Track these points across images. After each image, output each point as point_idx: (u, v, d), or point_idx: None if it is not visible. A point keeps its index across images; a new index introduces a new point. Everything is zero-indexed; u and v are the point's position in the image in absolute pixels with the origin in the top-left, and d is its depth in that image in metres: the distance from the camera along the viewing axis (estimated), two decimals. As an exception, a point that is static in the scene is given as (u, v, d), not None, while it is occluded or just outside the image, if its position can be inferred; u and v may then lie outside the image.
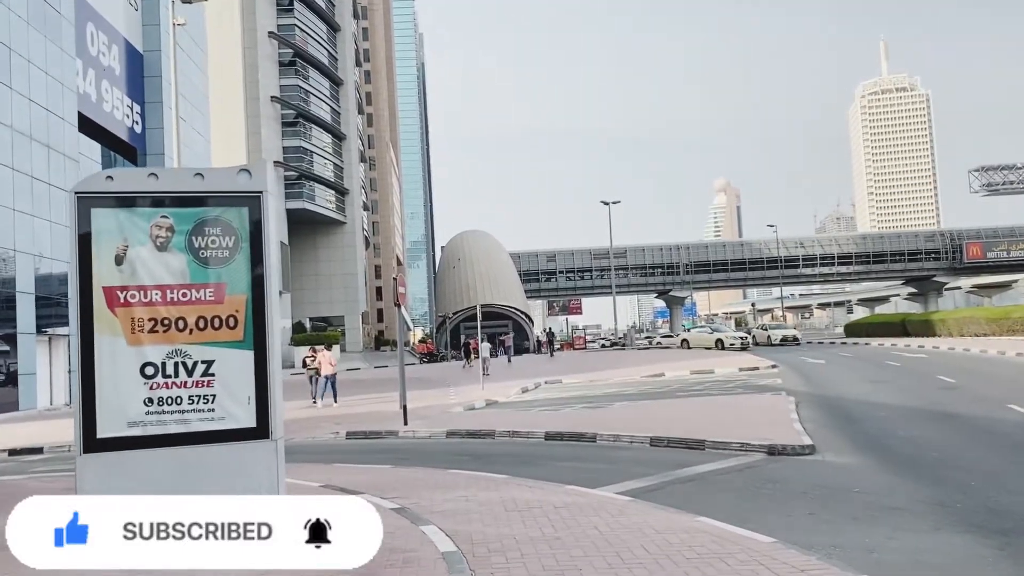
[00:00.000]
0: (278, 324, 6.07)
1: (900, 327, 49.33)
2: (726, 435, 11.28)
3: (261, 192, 5.96)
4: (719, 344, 43.74)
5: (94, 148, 36.93)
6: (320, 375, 21.31)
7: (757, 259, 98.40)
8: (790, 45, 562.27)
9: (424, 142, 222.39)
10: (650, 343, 70.68)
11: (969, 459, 9.49)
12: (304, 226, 67.80)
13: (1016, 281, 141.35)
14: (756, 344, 46.96)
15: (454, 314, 77.13)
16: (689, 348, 46.02)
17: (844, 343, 50.43)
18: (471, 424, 14.85)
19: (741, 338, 44.77)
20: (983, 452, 9.97)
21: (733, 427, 12.45)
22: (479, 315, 26.26)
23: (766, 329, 55.67)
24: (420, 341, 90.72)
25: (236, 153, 59.04)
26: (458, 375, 34.13)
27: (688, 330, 55.19)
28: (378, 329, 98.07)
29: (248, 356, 5.70)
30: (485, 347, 38.57)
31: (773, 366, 27.92)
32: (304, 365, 24.20)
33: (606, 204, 57.03)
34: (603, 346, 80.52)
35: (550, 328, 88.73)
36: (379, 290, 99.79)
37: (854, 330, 58.86)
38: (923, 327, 46.42)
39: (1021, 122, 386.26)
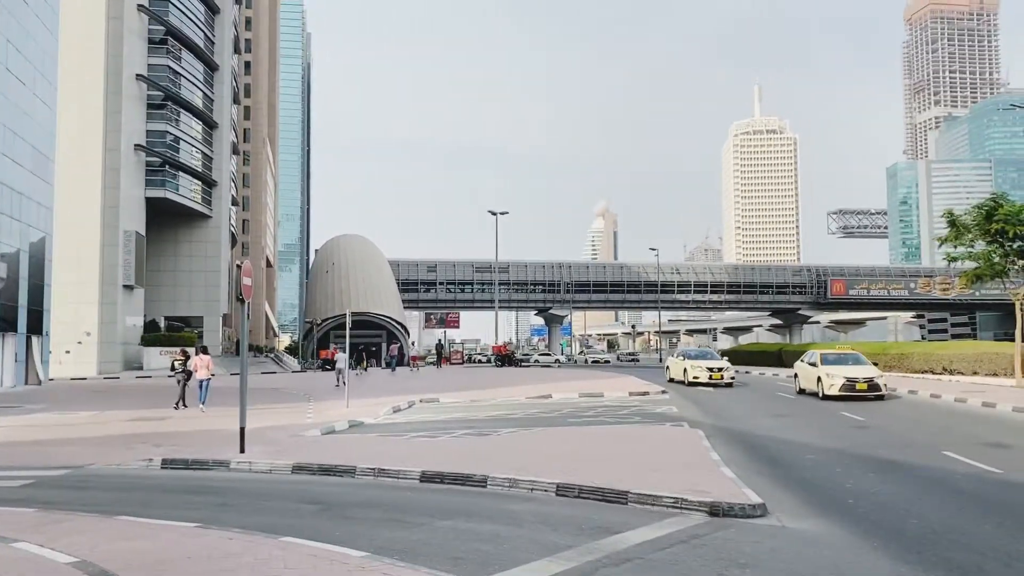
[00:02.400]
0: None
1: (776, 356, 49.48)
2: (651, 484, 8.91)
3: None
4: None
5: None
6: (195, 379, 20.78)
7: (635, 282, 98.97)
8: (675, 80, 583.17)
9: (305, 143, 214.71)
10: (527, 360, 69.15)
11: (960, 529, 7.47)
12: (165, 217, 62.23)
13: (868, 319, 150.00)
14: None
15: (323, 321, 72.90)
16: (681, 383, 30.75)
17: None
18: (327, 455, 11.87)
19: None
20: (969, 519, 8.00)
21: (649, 470, 10.17)
22: (348, 322, 23.22)
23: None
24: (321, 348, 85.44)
25: (92, 131, 53.34)
26: (324, 388, 30.79)
27: (683, 358, 32.49)
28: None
29: None
30: (341, 357, 35.25)
31: (663, 391, 26.25)
32: (172, 368, 22.78)
33: (493, 214, 54.91)
34: (479, 361, 78.14)
35: (439, 340, 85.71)
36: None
37: (734, 358, 59.11)
38: (799, 358, 46.63)
39: (877, 171, 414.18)
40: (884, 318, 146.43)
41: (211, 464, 11.28)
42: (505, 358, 41.79)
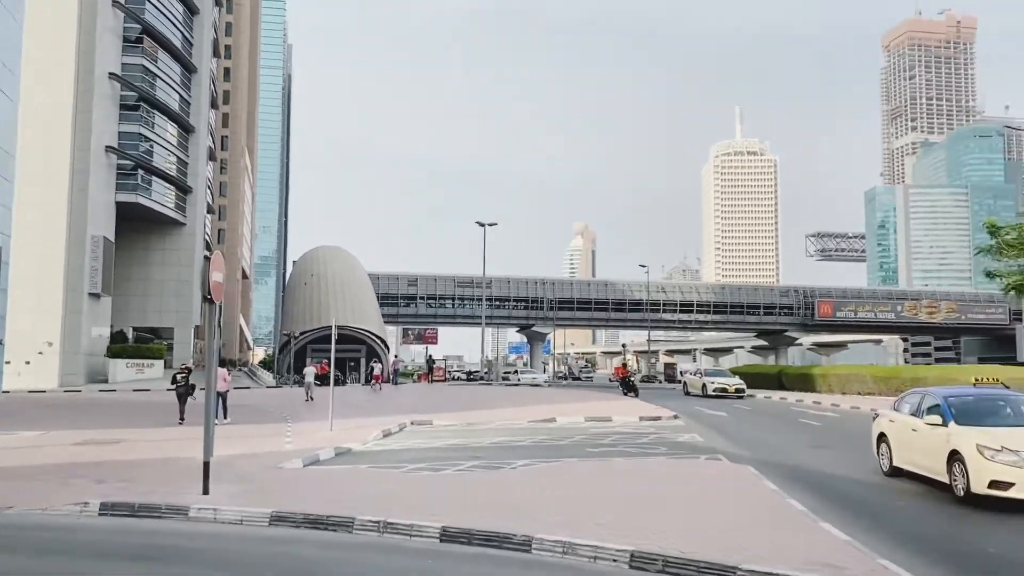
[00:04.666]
0: None
1: (776, 379, 47.79)
2: (757, 552, 6.66)
3: None
4: None
5: None
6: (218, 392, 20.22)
7: (620, 300, 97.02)
8: (657, 102, 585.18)
9: (284, 154, 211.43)
10: (508, 378, 66.52)
11: None
12: (137, 223, 59.31)
13: (850, 342, 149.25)
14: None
15: (301, 334, 70.08)
16: None
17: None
18: (314, 498, 9.43)
19: None
20: None
21: (730, 526, 7.97)
22: (334, 335, 20.82)
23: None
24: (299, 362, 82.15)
25: (60, 130, 50.56)
26: (303, 406, 28.25)
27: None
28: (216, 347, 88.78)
29: None
30: (310, 371, 33.53)
31: (675, 416, 24.02)
32: (174, 381, 22.18)
33: (482, 225, 52.59)
34: (455, 377, 75.49)
35: (430, 356, 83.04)
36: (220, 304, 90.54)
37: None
38: (801, 381, 44.90)
39: (856, 195, 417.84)
40: (870, 341, 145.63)
41: (163, 510, 8.76)
42: (627, 383, 38.18)
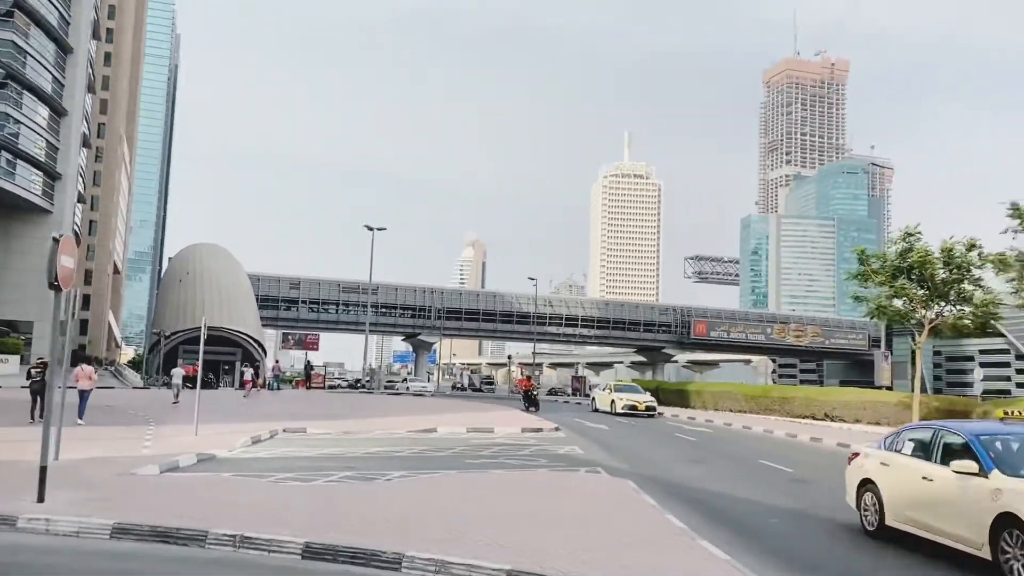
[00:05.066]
0: None
1: (654, 394, 48.67)
2: (635, 570, 6.42)
3: None
4: None
5: None
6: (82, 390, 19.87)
7: (508, 312, 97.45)
8: (553, 119, 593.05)
9: (167, 147, 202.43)
10: (392, 387, 65.32)
11: None
12: (-3, 208, 55.25)
13: (722, 361, 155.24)
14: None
15: (173, 334, 66.76)
16: None
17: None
18: (165, 508, 8.61)
19: None
20: None
21: (619, 544, 7.73)
22: (203, 335, 19.62)
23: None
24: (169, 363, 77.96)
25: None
26: (168, 409, 26.62)
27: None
28: (80, 343, 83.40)
29: None
30: (178, 372, 32.20)
31: (556, 428, 24.00)
32: (29, 377, 21.00)
33: (370, 229, 51.41)
34: (333, 386, 73.56)
35: (308, 361, 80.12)
36: (87, 298, 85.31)
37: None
38: (677, 396, 45.93)
39: (733, 221, 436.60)
40: (741, 361, 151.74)
41: (-11, 521, 7.81)
42: (529, 397, 34.78)
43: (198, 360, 20.16)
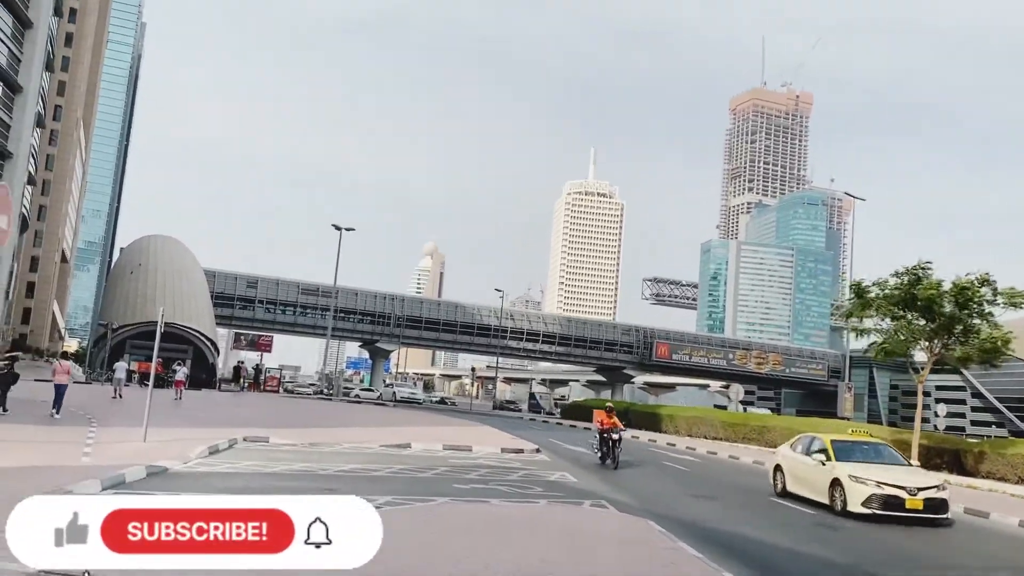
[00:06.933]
0: None
1: (623, 416, 47.39)
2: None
3: None
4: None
5: None
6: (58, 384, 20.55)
7: (469, 323, 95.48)
8: (521, 135, 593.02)
9: (125, 137, 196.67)
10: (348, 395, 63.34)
11: None
12: (-66, 183, 51.80)
13: (679, 384, 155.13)
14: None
15: (120, 327, 63.63)
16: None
17: (560, 424, 47.63)
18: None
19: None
20: None
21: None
22: (159, 330, 17.57)
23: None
24: (114, 358, 74.39)
25: None
26: (113, 407, 24.35)
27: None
28: (21, 332, 79.45)
29: None
30: (121, 366, 30.51)
31: (536, 449, 22.35)
32: None
33: (337, 229, 49.43)
34: (292, 390, 70.92)
35: (257, 364, 76.65)
36: (31, 285, 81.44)
37: (572, 412, 56.98)
38: (648, 420, 44.58)
39: (693, 245, 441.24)
40: (697, 385, 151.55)
41: None
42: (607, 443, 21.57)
43: (148, 356, 18.17)
